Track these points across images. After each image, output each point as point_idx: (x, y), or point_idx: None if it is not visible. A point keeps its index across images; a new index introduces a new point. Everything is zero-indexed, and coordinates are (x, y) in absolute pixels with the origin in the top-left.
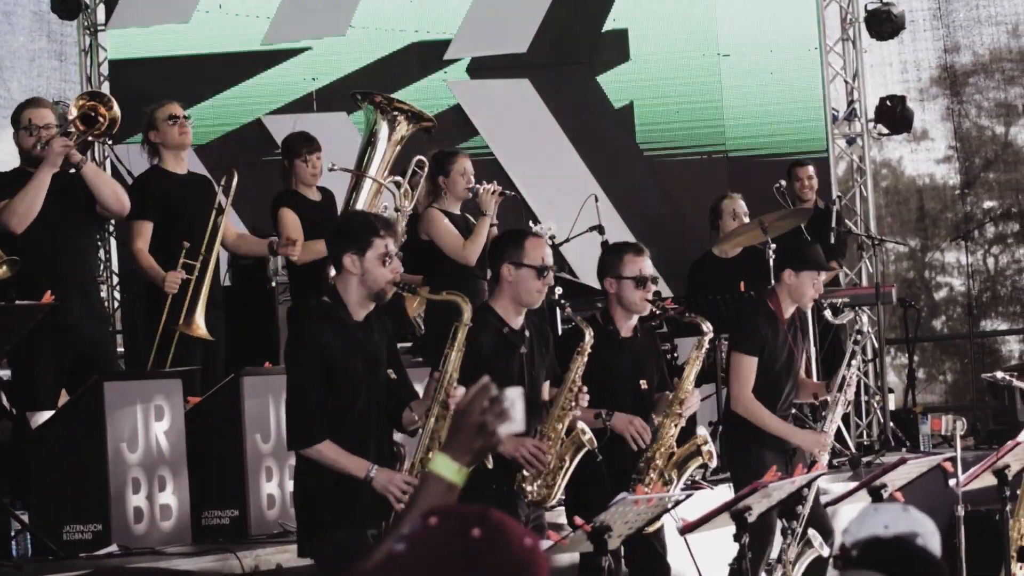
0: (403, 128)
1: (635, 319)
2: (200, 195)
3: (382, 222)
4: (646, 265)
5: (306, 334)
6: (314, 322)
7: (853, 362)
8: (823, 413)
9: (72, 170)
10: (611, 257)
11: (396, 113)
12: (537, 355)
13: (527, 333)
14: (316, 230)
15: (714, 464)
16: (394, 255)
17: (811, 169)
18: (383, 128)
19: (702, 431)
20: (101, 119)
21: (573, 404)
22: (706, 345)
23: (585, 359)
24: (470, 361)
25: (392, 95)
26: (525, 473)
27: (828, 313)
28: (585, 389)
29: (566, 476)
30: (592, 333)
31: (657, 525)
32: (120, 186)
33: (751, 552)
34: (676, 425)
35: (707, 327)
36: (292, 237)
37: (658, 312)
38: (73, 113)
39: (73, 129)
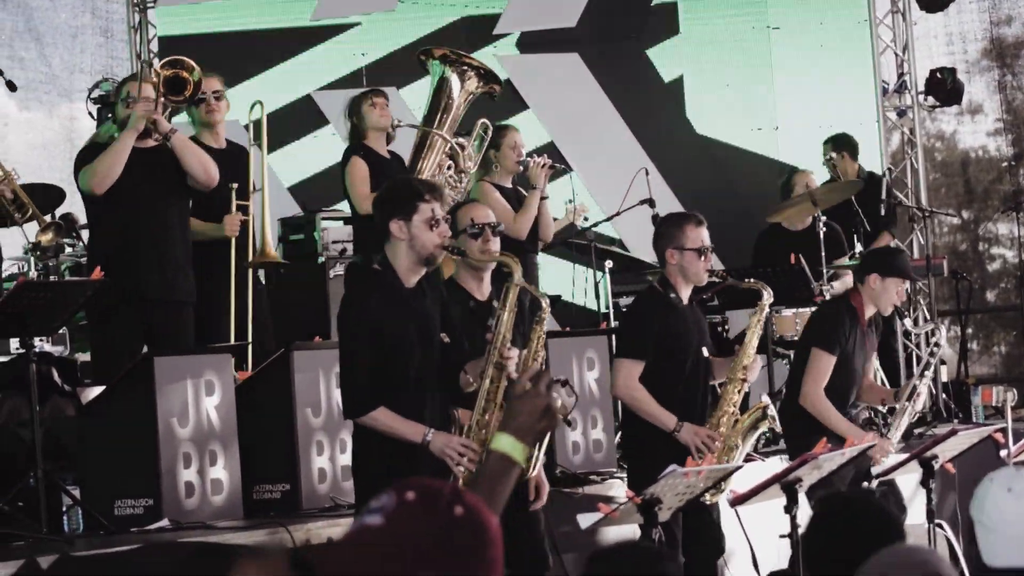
0: (473, 83)
1: (691, 289)
2: (234, 168)
3: (427, 186)
4: (705, 235)
5: (356, 302)
6: (364, 290)
7: (927, 373)
8: (889, 420)
9: (154, 140)
10: (671, 228)
11: (466, 67)
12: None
13: (495, 304)
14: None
15: (779, 428)
16: (441, 219)
17: (811, 178)
18: (453, 81)
19: (765, 398)
20: (187, 85)
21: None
22: (766, 310)
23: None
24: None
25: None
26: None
27: (908, 322)
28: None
29: (542, 448)
30: (548, 303)
31: (719, 496)
32: (208, 157)
33: None
34: (739, 391)
35: (768, 293)
36: (361, 188)
37: (718, 281)
38: (155, 81)
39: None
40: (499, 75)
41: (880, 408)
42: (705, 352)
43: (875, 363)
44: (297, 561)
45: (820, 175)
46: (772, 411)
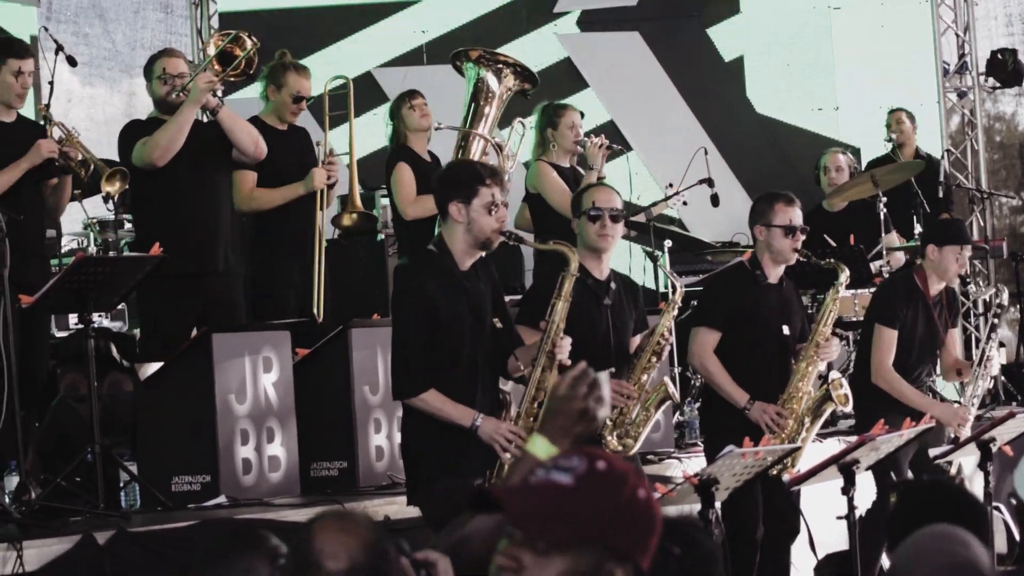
0: (509, 80)
1: (782, 268)
2: (296, 148)
3: (488, 171)
4: (796, 215)
5: (411, 284)
6: (419, 272)
7: (993, 336)
8: (966, 387)
9: (207, 116)
10: (762, 205)
11: (501, 66)
12: (627, 307)
13: (612, 285)
14: (427, 188)
15: (848, 407)
16: (500, 204)
17: (840, 158)
18: (489, 80)
19: (835, 374)
20: (238, 58)
21: (655, 360)
22: (842, 290)
23: (672, 310)
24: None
25: (495, 50)
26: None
27: (972, 288)
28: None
29: (648, 426)
30: (682, 287)
31: (780, 468)
32: (255, 130)
33: None
34: (812, 368)
35: (845, 274)
36: (408, 194)
37: (803, 259)
38: (211, 52)
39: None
40: (555, 55)
41: (961, 380)
42: (786, 331)
43: (957, 339)
44: (482, 495)
45: (871, 152)
46: (845, 390)
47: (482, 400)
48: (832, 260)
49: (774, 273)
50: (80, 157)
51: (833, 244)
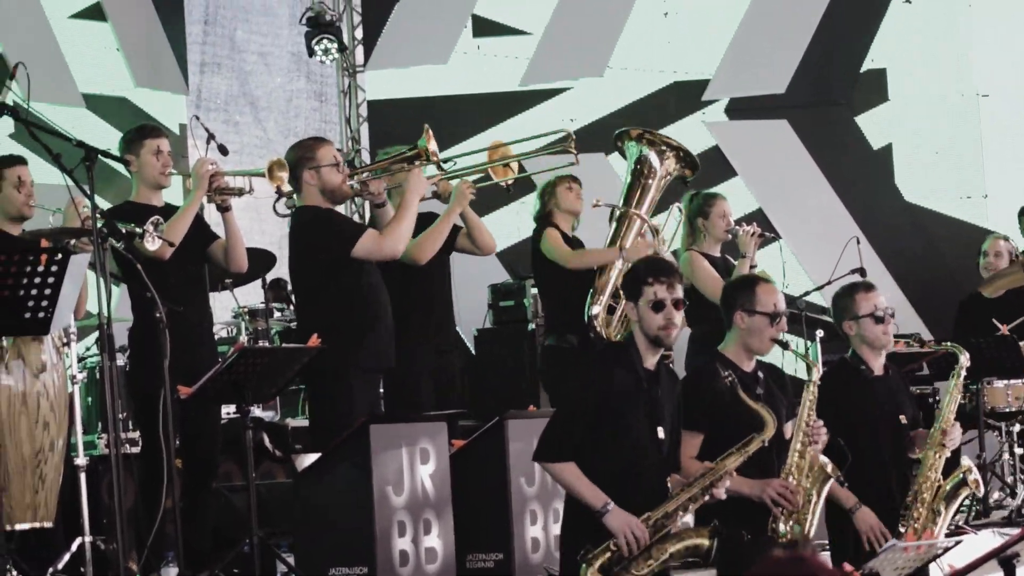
0: (671, 163)
1: (883, 357)
2: None
3: (652, 269)
4: (880, 300)
5: (596, 365)
6: (608, 357)
7: None
8: None
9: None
10: (844, 301)
11: (663, 147)
12: (777, 395)
13: (760, 375)
14: None
15: (981, 492)
16: (668, 302)
17: (1001, 244)
18: (652, 159)
19: (966, 460)
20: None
21: (812, 440)
22: (963, 375)
23: (813, 395)
24: (709, 409)
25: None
26: (777, 514)
27: None
28: (821, 424)
29: (816, 510)
30: (820, 369)
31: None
32: None
33: None
34: (940, 456)
35: (965, 357)
36: (564, 248)
37: (905, 344)
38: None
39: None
40: (703, 142)
41: None
42: (903, 419)
43: None
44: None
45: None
46: (974, 475)
47: (633, 498)
48: (949, 344)
49: (878, 365)
50: (235, 184)
51: (1001, 329)
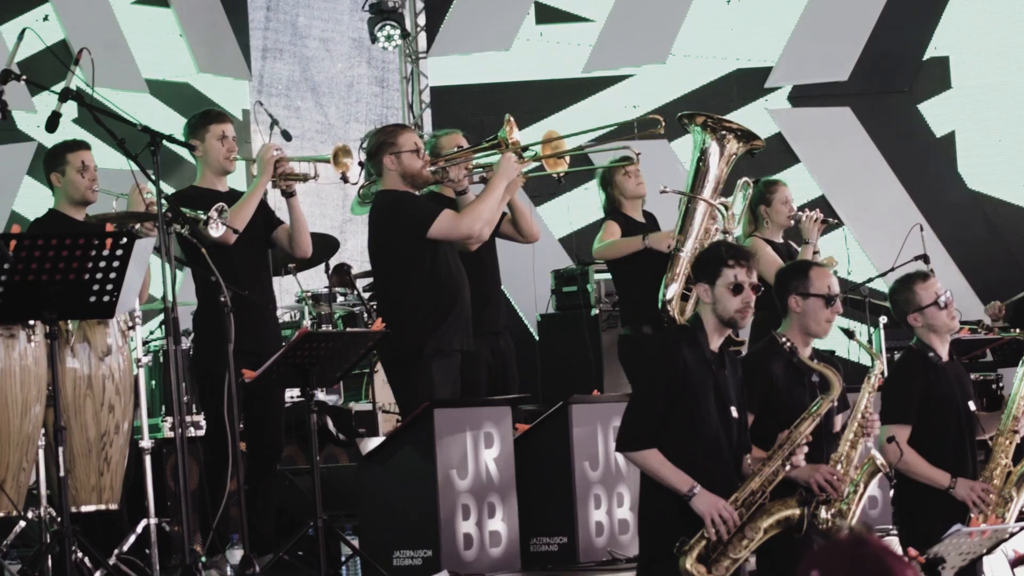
0: (732, 146)
1: (948, 343)
2: None
3: (732, 252)
4: (938, 286)
5: (668, 348)
6: (678, 340)
7: None
8: None
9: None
10: (902, 294)
11: (724, 132)
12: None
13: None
14: None
15: None
16: (747, 285)
17: None
18: (713, 147)
19: None
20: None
21: (866, 432)
22: None
23: (873, 387)
24: (764, 391)
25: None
26: (820, 500)
27: None
28: (877, 417)
29: (861, 501)
30: (883, 362)
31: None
32: None
33: None
34: (1011, 442)
35: None
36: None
37: (970, 330)
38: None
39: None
40: (766, 129)
41: None
42: (972, 406)
43: None
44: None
45: None
46: None
47: (718, 480)
48: (1018, 330)
49: (943, 351)
50: (300, 170)
51: None
